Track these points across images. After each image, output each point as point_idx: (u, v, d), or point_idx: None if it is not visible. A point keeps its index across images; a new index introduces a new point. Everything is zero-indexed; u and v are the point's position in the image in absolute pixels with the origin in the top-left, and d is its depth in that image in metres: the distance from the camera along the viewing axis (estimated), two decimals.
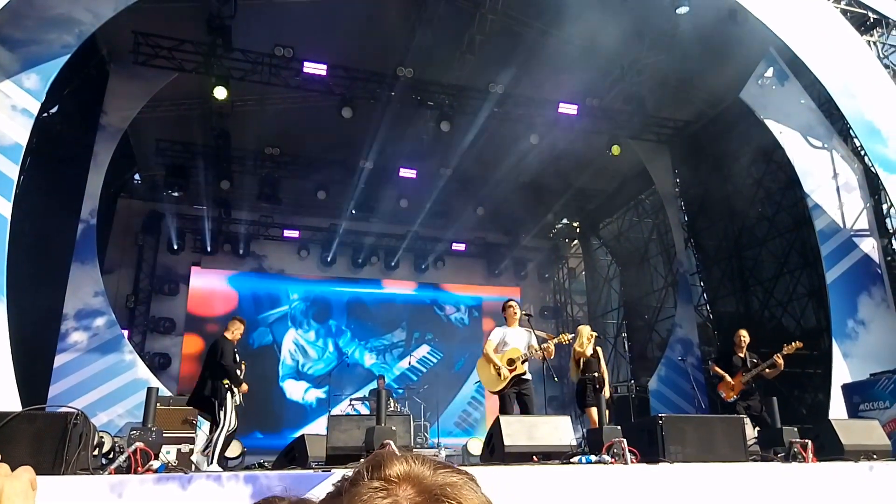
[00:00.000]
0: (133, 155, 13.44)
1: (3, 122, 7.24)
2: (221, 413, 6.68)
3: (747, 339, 7.88)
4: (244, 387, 7.03)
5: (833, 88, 9.48)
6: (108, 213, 13.24)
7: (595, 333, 7.93)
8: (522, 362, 6.82)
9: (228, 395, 6.73)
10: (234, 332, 7.17)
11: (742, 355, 7.80)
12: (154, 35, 10.79)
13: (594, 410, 7.39)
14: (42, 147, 9.43)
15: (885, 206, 10.24)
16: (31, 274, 8.92)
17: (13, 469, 0.89)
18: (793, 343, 7.40)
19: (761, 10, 9.46)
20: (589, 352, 7.69)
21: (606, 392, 7.88)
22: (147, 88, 11.20)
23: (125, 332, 11.95)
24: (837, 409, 8.30)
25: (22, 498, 0.83)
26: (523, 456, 5.23)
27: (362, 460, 0.81)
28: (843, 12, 10.15)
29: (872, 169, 9.78)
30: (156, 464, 4.18)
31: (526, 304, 16.31)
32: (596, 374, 7.61)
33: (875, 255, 9.63)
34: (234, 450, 9.25)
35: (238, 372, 6.94)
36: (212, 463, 6.64)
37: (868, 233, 9.78)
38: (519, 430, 5.40)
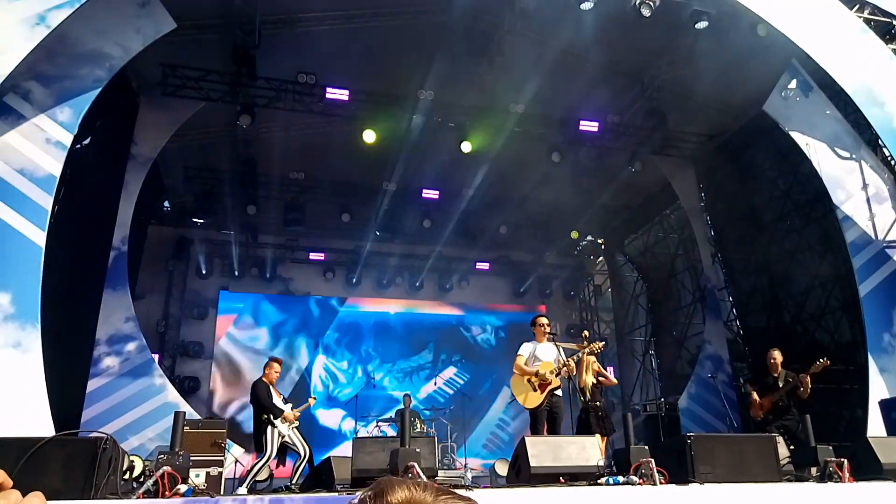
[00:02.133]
0: (162, 183, 13.77)
1: (37, 155, 7.49)
2: (263, 444, 7.22)
3: (778, 360, 7.71)
4: (289, 415, 7.35)
5: (859, 98, 9.33)
6: (139, 240, 13.54)
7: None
8: (556, 375, 6.78)
9: (269, 428, 7.22)
10: (269, 372, 7.67)
11: (775, 375, 7.64)
12: (181, 66, 11.10)
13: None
14: (75, 178, 9.70)
15: None
16: (64, 301, 9.16)
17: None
18: (819, 361, 7.21)
19: (782, 21, 9.39)
20: (591, 381, 7.58)
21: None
22: (175, 118, 11.50)
23: (155, 357, 12.15)
24: (875, 426, 8.06)
25: None
26: (550, 477, 5.17)
27: (368, 486, 0.82)
28: (867, 21, 10.02)
29: None
30: (183, 487, 4.23)
31: (552, 322, 16.16)
32: (598, 403, 7.50)
33: None
34: (263, 473, 9.31)
35: (277, 405, 7.38)
36: (242, 485, 6.96)
37: None
38: (545, 451, 5.34)
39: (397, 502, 0.76)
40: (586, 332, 8.02)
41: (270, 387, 7.51)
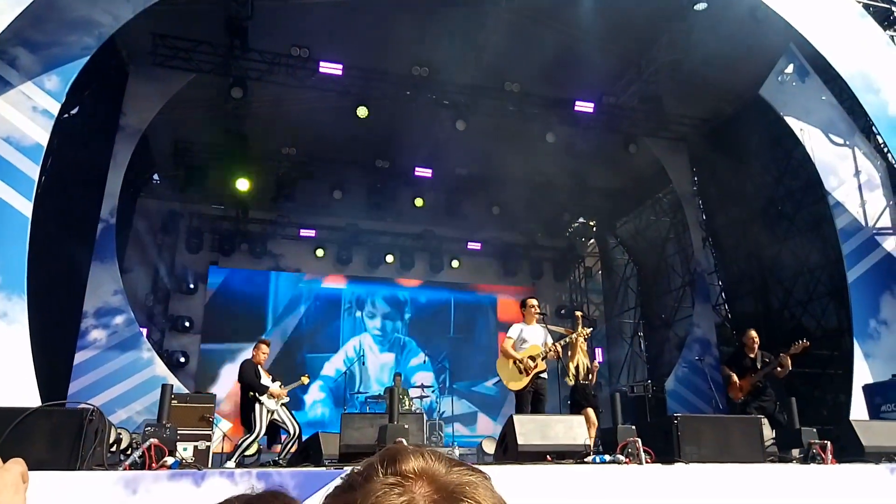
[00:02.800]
0: (152, 155, 13.58)
1: (24, 123, 7.36)
2: (252, 421, 7.25)
3: (757, 340, 7.77)
4: (275, 391, 7.35)
5: (855, 84, 9.33)
6: (128, 212, 13.40)
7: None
8: (543, 359, 6.81)
9: (256, 405, 7.24)
10: (256, 353, 7.69)
11: (752, 356, 7.71)
12: (172, 37, 10.90)
13: (591, 411, 7.37)
14: (62, 147, 9.56)
15: None
16: (51, 272, 9.07)
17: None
18: (799, 342, 7.29)
19: (781, 4, 9.33)
20: (584, 362, 7.63)
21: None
22: (166, 90, 11.31)
23: (144, 331, 12.09)
24: (859, 409, 8.18)
25: (12, 490, 0.84)
26: (537, 455, 5.21)
27: (378, 453, 0.79)
28: (866, 7, 9.97)
29: None
30: (170, 460, 4.22)
31: (542, 303, 16.16)
32: (586, 382, 7.55)
33: None
34: (252, 448, 9.34)
35: (263, 383, 7.38)
36: (230, 460, 6.98)
37: (891, 231, 9.60)
38: (532, 430, 5.37)
39: (412, 471, 0.73)
40: (579, 313, 8.02)
41: (258, 367, 7.52)
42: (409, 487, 0.71)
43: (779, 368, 7.40)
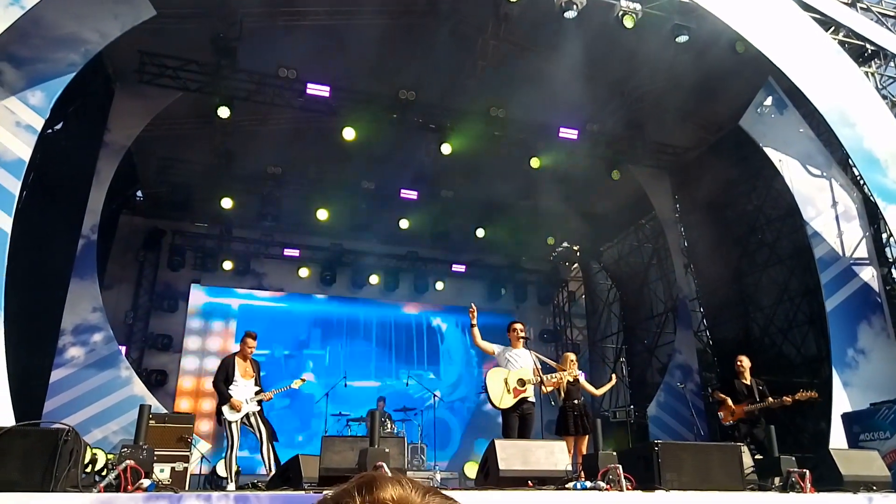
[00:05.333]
0: (136, 172, 13.51)
1: (6, 138, 7.31)
2: (223, 426, 6.93)
3: (748, 364, 7.82)
4: (235, 403, 6.98)
5: (831, 118, 9.56)
6: (110, 229, 13.28)
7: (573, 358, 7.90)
8: (534, 384, 6.79)
9: (222, 412, 6.93)
10: (242, 347, 7.32)
11: (747, 382, 7.72)
12: (160, 55, 10.93)
13: (572, 440, 7.36)
14: (45, 163, 9.49)
15: (884, 236, 10.27)
16: (30, 289, 8.94)
17: None
18: (808, 392, 7.33)
19: (760, 39, 9.58)
20: (566, 379, 7.66)
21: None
22: (152, 107, 11.30)
23: (123, 349, 11.91)
24: (838, 438, 8.24)
25: None
26: (518, 480, 5.18)
27: (353, 479, 0.79)
28: (842, 43, 10.27)
29: (871, 198, 9.82)
30: (146, 482, 4.15)
31: (526, 326, 16.20)
32: (576, 402, 7.57)
33: (875, 284, 9.62)
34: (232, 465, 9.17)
35: (226, 391, 7.00)
36: (230, 483, 6.75)
37: (867, 261, 9.79)
38: (514, 455, 5.36)
39: (389, 499, 0.73)
40: (572, 357, 8.00)
41: (237, 364, 7.15)
42: None
43: (772, 401, 7.43)
